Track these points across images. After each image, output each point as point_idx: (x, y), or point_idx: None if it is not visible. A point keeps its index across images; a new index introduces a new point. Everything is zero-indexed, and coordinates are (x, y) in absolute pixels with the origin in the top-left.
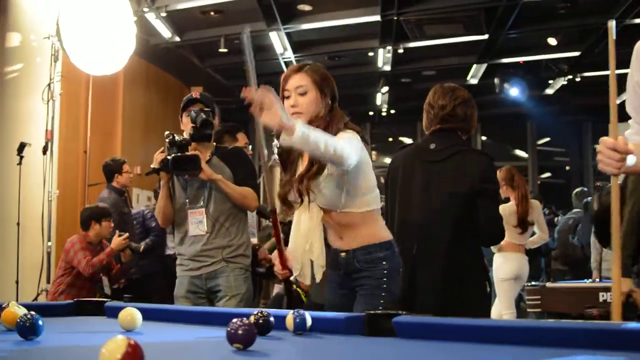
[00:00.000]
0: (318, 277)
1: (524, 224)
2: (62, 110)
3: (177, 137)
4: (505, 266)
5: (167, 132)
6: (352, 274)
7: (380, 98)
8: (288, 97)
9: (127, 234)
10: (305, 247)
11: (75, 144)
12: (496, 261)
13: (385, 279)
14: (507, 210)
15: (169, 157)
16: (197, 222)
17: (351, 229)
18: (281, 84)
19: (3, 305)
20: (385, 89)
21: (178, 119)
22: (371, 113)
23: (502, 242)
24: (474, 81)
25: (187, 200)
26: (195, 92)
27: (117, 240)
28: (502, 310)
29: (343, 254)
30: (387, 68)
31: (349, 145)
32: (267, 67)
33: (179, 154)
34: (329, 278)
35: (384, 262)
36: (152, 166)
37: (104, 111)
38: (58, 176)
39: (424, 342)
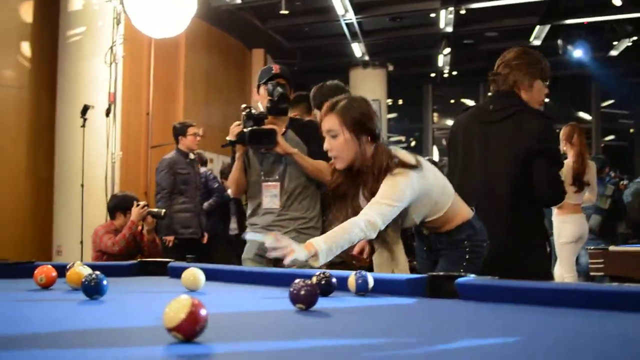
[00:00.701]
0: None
1: (579, 182)
2: (125, 72)
3: (253, 110)
4: (565, 229)
5: (243, 105)
6: (435, 251)
7: (442, 60)
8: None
9: (144, 203)
10: (384, 256)
11: (138, 106)
12: (555, 224)
13: (467, 257)
14: (565, 167)
15: (245, 130)
16: (272, 195)
17: (431, 225)
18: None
19: (68, 266)
20: (447, 50)
21: (239, 80)
22: (433, 75)
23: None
24: (537, 43)
25: (262, 173)
26: (276, 67)
27: (136, 211)
28: (563, 272)
29: (426, 231)
30: (449, 29)
31: (371, 217)
32: (328, 29)
33: (255, 128)
34: (416, 250)
35: (465, 242)
36: (227, 138)
37: (166, 73)
38: (121, 138)
39: (486, 304)
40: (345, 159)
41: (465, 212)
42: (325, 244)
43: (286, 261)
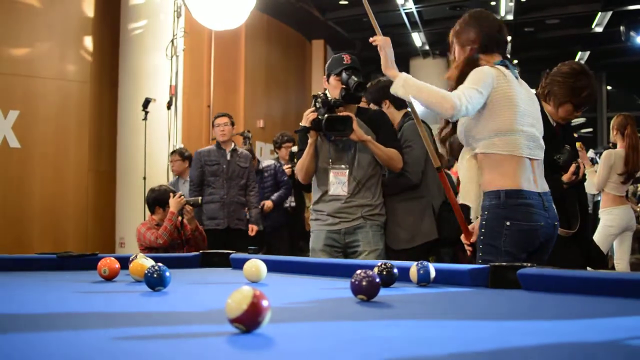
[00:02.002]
0: (474, 219)
1: (630, 174)
2: (186, 65)
3: (329, 96)
4: (612, 220)
5: (316, 93)
6: None
7: None
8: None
9: (180, 192)
10: (464, 190)
11: (199, 98)
12: (603, 217)
13: (483, 230)
14: (614, 155)
15: (320, 117)
16: (340, 182)
17: (483, 173)
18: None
19: (131, 258)
20: (508, 38)
21: (298, 72)
22: None
23: (605, 197)
24: (599, 29)
25: (330, 160)
26: (347, 57)
27: (174, 202)
28: (616, 261)
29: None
30: (510, 17)
31: (462, 94)
32: (388, 19)
33: (333, 115)
34: None
35: (485, 213)
36: (301, 124)
37: (226, 66)
38: (182, 131)
39: (548, 294)
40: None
41: (502, 181)
42: (409, 78)
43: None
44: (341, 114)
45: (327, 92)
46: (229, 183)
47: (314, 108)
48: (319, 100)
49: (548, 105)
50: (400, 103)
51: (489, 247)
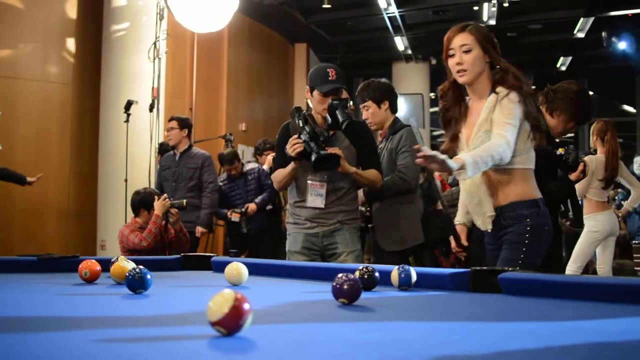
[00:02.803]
0: (489, 227)
1: (610, 180)
2: (168, 68)
3: (317, 129)
4: (595, 226)
5: (296, 110)
6: (498, 231)
7: None
8: (453, 56)
9: (165, 195)
10: (475, 202)
11: (181, 101)
12: (588, 224)
13: (527, 235)
14: (596, 162)
15: (308, 150)
16: (317, 194)
17: (503, 186)
18: (445, 43)
19: (112, 260)
20: None
21: (281, 75)
22: None
23: (588, 203)
24: (581, 35)
25: (309, 173)
26: (332, 72)
27: (159, 204)
28: (571, 261)
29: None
30: (493, 22)
31: (506, 139)
32: (371, 23)
33: (322, 155)
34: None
35: (527, 220)
36: (288, 153)
37: (209, 68)
38: (164, 133)
39: (529, 299)
40: (473, 72)
41: (535, 192)
42: (472, 158)
43: (435, 165)
44: (330, 151)
45: (307, 112)
46: (175, 185)
47: (300, 141)
48: (305, 131)
49: (552, 119)
50: (395, 107)
51: (531, 251)
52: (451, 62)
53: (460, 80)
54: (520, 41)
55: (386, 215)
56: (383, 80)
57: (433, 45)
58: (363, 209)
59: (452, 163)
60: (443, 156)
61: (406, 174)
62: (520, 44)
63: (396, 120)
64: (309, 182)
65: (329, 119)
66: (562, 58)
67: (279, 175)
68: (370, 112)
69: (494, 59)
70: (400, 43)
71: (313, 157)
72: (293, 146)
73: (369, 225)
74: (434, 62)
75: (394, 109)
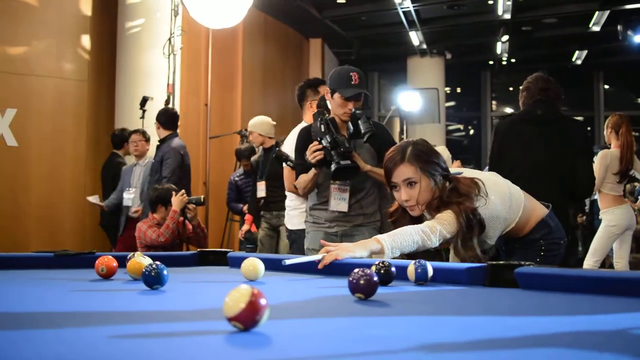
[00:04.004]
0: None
1: (625, 173)
2: (183, 64)
3: (338, 139)
4: (613, 220)
5: (319, 113)
6: (510, 250)
7: (500, 47)
8: (396, 188)
9: (183, 191)
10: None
11: (196, 97)
12: (605, 218)
13: (541, 254)
14: (611, 156)
15: (332, 168)
16: (340, 198)
17: (506, 237)
18: (385, 173)
19: (129, 256)
20: (505, 37)
21: (296, 70)
22: (491, 62)
23: (604, 198)
24: (596, 28)
25: (330, 178)
26: (355, 77)
27: (177, 200)
28: (589, 257)
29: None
30: (507, 16)
31: (441, 226)
32: (386, 18)
33: (341, 165)
34: None
35: (540, 241)
36: (309, 160)
37: (223, 64)
38: (179, 129)
39: (546, 293)
40: (424, 203)
41: (538, 212)
42: (390, 240)
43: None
44: (350, 162)
45: (330, 116)
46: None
47: (320, 147)
48: (327, 139)
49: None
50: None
51: (549, 261)
52: (397, 196)
53: (413, 214)
54: (535, 35)
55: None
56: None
57: (448, 40)
58: None
59: (361, 250)
60: (346, 252)
61: None
62: (535, 38)
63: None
64: (331, 186)
65: (351, 127)
66: (577, 52)
67: (302, 181)
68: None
69: (441, 180)
70: (415, 38)
71: (333, 167)
72: (313, 153)
73: None
74: (448, 56)
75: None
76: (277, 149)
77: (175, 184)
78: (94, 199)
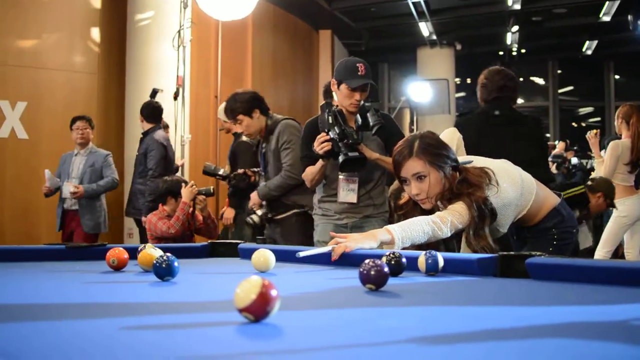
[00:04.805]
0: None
1: (636, 163)
2: (193, 56)
3: (346, 131)
4: (627, 211)
5: (327, 105)
6: (521, 239)
7: (510, 37)
8: (405, 182)
9: (192, 182)
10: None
11: (206, 89)
12: (617, 209)
13: (554, 243)
14: (622, 146)
15: (340, 159)
16: (349, 189)
17: (518, 224)
18: (394, 167)
19: (140, 248)
20: (515, 28)
21: (306, 62)
22: (501, 53)
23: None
24: (606, 18)
25: (338, 169)
26: (361, 67)
27: (187, 192)
28: (600, 247)
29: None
30: (517, 6)
31: (452, 217)
32: (395, 9)
33: (349, 157)
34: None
35: (552, 230)
36: (316, 151)
37: (233, 56)
38: (189, 121)
39: (557, 283)
40: (435, 196)
41: (550, 200)
42: (400, 231)
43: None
44: (358, 153)
45: (337, 108)
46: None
47: (328, 138)
48: (335, 130)
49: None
50: (265, 109)
51: (561, 250)
52: (407, 190)
53: (424, 207)
54: (545, 25)
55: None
56: (243, 90)
57: (458, 31)
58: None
59: (370, 241)
60: (356, 243)
61: (292, 171)
62: (545, 28)
63: (270, 119)
64: (340, 177)
65: (359, 119)
66: (587, 42)
67: (310, 173)
68: (245, 125)
69: (451, 172)
70: (424, 28)
71: (340, 159)
72: (321, 144)
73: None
74: (459, 47)
75: (264, 111)
76: (206, 164)
77: (160, 175)
78: (48, 174)
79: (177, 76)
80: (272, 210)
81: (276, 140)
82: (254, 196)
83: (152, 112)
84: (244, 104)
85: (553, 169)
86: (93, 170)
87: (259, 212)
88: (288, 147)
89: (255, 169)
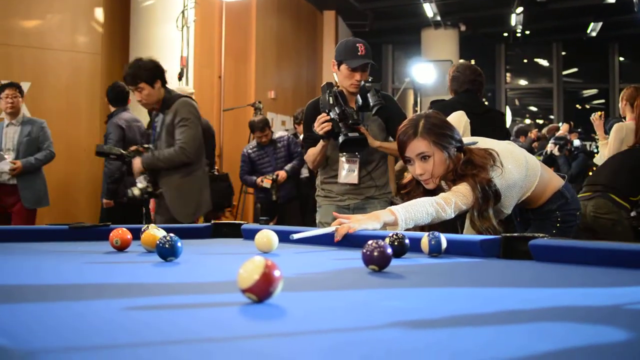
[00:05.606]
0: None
1: None
2: (197, 36)
3: (346, 111)
4: None
5: (328, 86)
6: (525, 221)
7: (515, 19)
8: (410, 162)
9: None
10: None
11: (210, 69)
12: None
13: (557, 225)
14: (626, 128)
15: (340, 140)
16: (350, 170)
17: (522, 206)
18: (398, 146)
19: (143, 228)
20: (520, 9)
21: (309, 43)
22: (505, 34)
23: None
24: (611, 0)
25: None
26: (361, 47)
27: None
28: None
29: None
30: None
31: (456, 198)
32: None
33: (349, 137)
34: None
35: (556, 212)
36: (316, 131)
37: (237, 37)
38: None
39: (560, 265)
40: (439, 176)
41: (555, 182)
42: (404, 212)
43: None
44: (358, 134)
45: (338, 88)
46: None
47: (328, 118)
48: (335, 111)
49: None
50: (165, 81)
51: (564, 233)
52: (411, 169)
53: (428, 187)
54: (549, 7)
55: (176, 188)
56: (147, 58)
57: (462, 12)
58: (140, 186)
59: (374, 222)
60: (359, 224)
61: (186, 148)
62: (550, 10)
63: (168, 93)
64: (341, 158)
65: (360, 100)
66: (592, 24)
67: (312, 154)
68: (145, 94)
69: (455, 152)
70: (429, 9)
71: (341, 139)
72: (321, 125)
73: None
74: (463, 28)
75: (164, 84)
76: (97, 145)
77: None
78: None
79: (181, 57)
80: (154, 185)
81: (172, 115)
82: (137, 162)
83: (116, 96)
84: (148, 71)
85: (555, 150)
86: (30, 140)
87: (140, 185)
88: (185, 124)
89: (147, 145)
